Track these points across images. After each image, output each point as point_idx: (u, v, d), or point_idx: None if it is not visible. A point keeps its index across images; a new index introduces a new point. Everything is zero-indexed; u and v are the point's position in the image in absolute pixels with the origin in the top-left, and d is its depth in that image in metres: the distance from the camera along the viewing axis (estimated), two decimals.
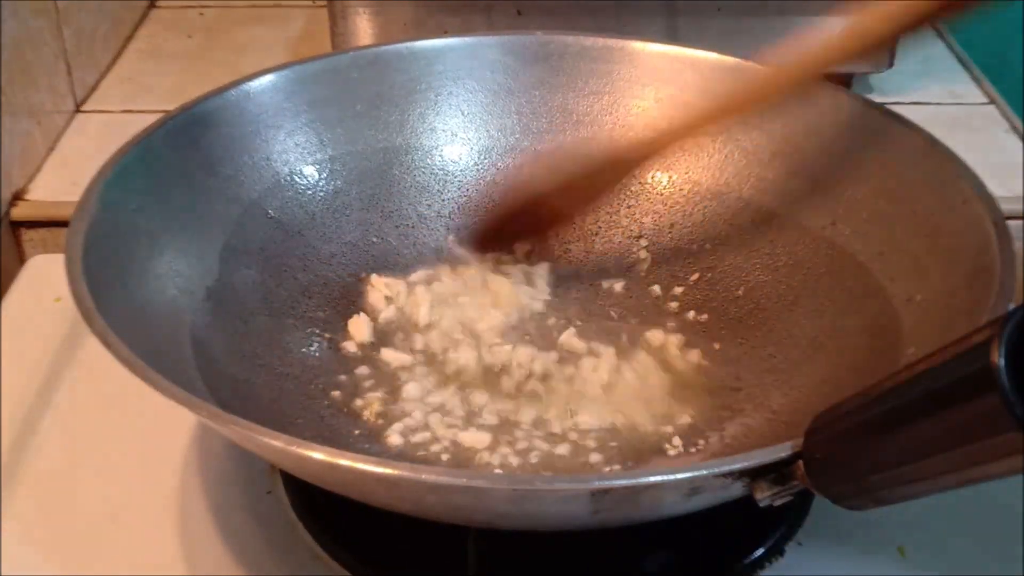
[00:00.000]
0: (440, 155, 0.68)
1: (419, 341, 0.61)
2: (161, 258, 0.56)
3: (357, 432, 0.56)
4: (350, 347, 0.60)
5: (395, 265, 0.65)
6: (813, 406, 0.42)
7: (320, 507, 0.55)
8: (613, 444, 0.55)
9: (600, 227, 0.67)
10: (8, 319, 0.68)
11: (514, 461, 0.54)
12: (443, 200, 0.68)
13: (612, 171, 0.64)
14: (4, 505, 0.56)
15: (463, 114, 0.68)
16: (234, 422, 0.43)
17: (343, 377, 0.59)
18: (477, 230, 0.66)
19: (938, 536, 0.54)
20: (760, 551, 0.54)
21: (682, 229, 0.66)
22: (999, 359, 0.32)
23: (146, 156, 0.57)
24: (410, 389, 0.58)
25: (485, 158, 0.68)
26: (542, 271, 0.65)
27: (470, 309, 0.62)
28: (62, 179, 0.81)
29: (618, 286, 0.65)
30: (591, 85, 0.69)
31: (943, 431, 0.35)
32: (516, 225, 0.65)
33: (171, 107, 0.60)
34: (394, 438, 0.55)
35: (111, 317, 0.46)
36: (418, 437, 0.55)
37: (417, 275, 0.64)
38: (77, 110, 0.90)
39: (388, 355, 0.60)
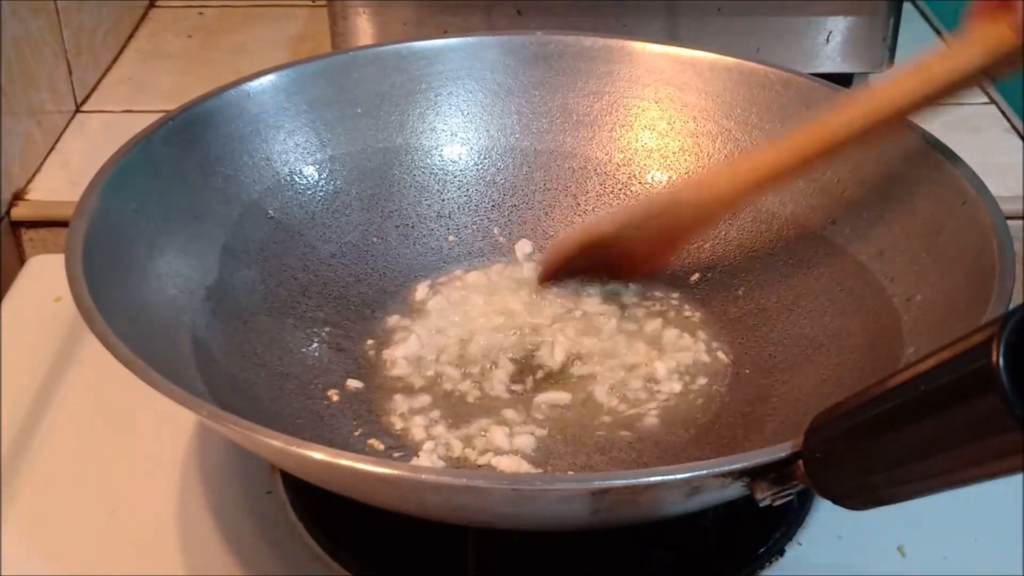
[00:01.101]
0: (440, 155, 0.68)
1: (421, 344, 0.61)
2: (161, 258, 0.56)
3: (357, 432, 0.56)
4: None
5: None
6: (813, 406, 0.42)
7: (320, 507, 0.55)
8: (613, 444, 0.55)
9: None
10: (8, 319, 0.68)
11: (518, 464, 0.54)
12: (443, 200, 0.68)
13: (696, 224, 0.62)
14: (4, 505, 0.56)
15: (463, 114, 0.68)
16: (234, 422, 0.43)
17: (343, 377, 0.59)
18: (552, 262, 0.64)
19: (938, 536, 0.54)
20: (760, 551, 0.54)
21: None
22: (999, 359, 0.32)
23: (146, 156, 0.57)
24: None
25: (485, 158, 0.68)
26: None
27: (473, 312, 0.62)
28: (62, 179, 0.81)
29: (618, 286, 0.65)
30: (591, 85, 0.69)
31: (943, 431, 0.35)
32: (588, 262, 0.63)
33: (171, 107, 0.60)
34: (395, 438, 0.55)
35: (111, 317, 0.46)
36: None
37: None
38: (77, 110, 0.90)
39: (388, 354, 0.60)
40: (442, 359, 0.60)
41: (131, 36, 1.03)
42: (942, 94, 0.53)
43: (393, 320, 0.62)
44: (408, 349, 0.60)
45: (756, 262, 0.63)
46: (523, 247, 0.67)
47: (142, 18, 1.06)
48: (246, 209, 0.62)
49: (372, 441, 0.55)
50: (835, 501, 0.41)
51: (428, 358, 0.60)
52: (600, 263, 0.63)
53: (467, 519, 0.48)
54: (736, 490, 0.42)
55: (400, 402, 0.57)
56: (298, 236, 0.63)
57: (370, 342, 0.61)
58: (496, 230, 0.67)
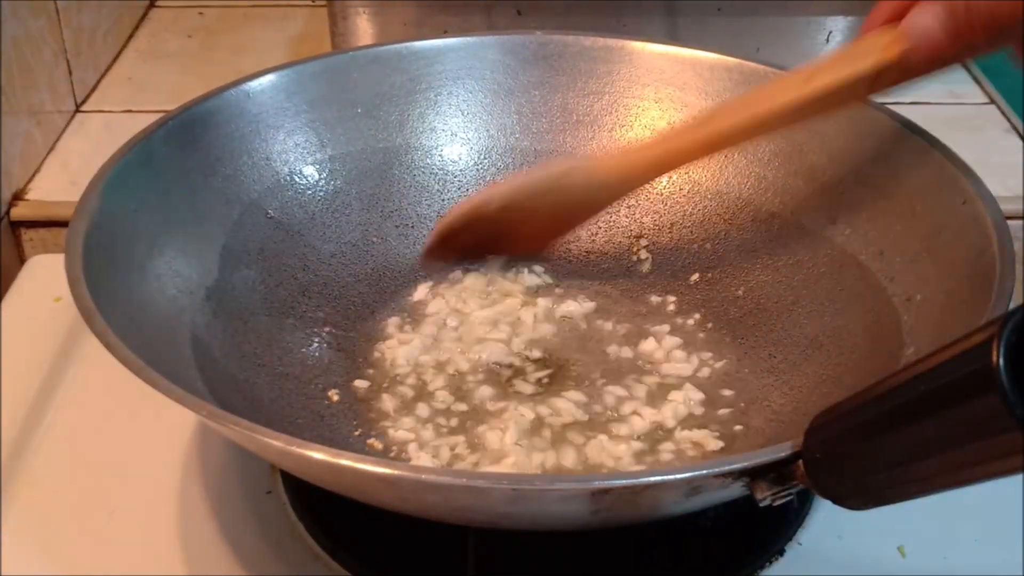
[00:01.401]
0: (440, 155, 0.68)
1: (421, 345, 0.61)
2: (161, 258, 0.56)
3: (357, 432, 0.56)
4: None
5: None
6: (813, 406, 0.42)
7: (320, 507, 0.55)
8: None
9: (600, 227, 0.67)
10: (8, 319, 0.68)
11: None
12: (443, 200, 0.67)
13: (584, 208, 0.63)
14: (4, 505, 0.56)
15: (463, 114, 0.68)
16: (234, 422, 0.43)
17: (343, 377, 0.59)
18: (433, 244, 0.64)
19: (938, 536, 0.54)
20: (760, 551, 0.53)
21: (682, 229, 0.66)
22: (999, 359, 0.32)
23: (146, 156, 0.57)
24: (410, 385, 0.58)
25: (485, 158, 0.68)
26: (539, 271, 0.65)
27: (473, 314, 0.63)
28: (62, 179, 0.81)
29: (618, 286, 0.65)
30: (591, 85, 0.69)
31: (943, 431, 0.35)
32: (475, 242, 0.63)
33: (171, 107, 0.60)
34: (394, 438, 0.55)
35: (111, 317, 0.46)
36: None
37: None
38: (77, 110, 0.90)
39: (389, 354, 0.60)
40: (442, 359, 0.60)
41: (131, 36, 1.03)
42: (824, 103, 0.54)
43: (393, 320, 0.62)
44: (408, 349, 0.60)
45: (756, 262, 0.63)
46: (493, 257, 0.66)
47: (142, 18, 1.06)
48: (246, 209, 0.62)
49: (372, 441, 0.55)
50: (835, 501, 0.41)
51: (428, 358, 0.60)
52: (485, 240, 0.63)
53: (467, 519, 0.48)
54: (736, 490, 0.42)
55: (401, 402, 0.57)
56: (298, 236, 0.63)
57: (370, 342, 0.61)
58: None
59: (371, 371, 0.59)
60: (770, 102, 0.55)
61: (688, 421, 0.56)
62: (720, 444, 0.55)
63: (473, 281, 0.64)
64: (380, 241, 0.66)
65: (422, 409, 0.57)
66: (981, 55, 0.50)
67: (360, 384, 0.58)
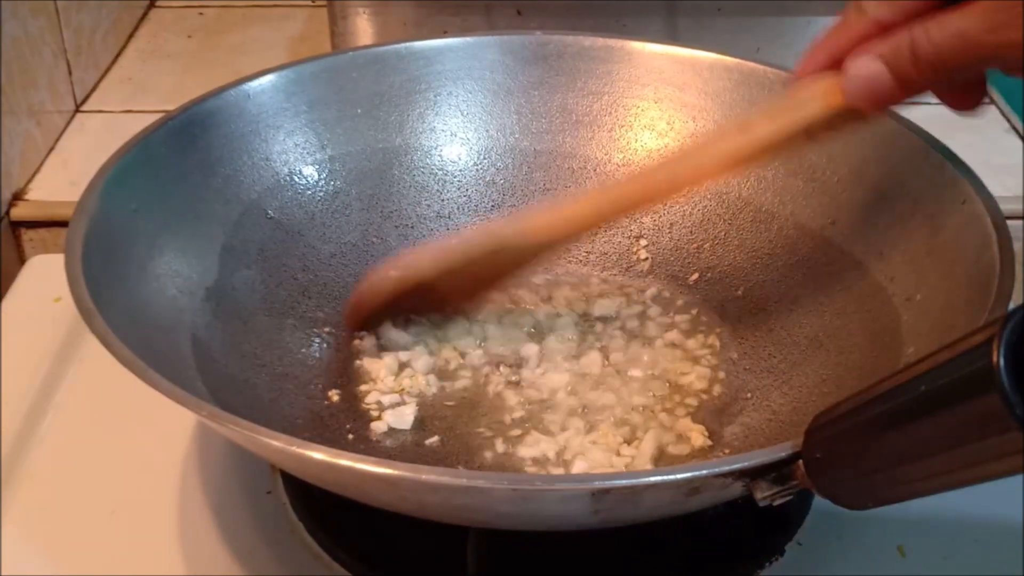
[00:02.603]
0: (440, 155, 0.68)
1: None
2: (161, 258, 0.56)
3: (357, 432, 0.56)
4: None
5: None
6: (813, 406, 0.42)
7: (320, 507, 0.55)
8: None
9: (600, 227, 0.67)
10: (8, 319, 0.68)
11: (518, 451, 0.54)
12: (443, 200, 0.68)
13: (516, 267, 0.61)
14: (4, 505, 0.56)
15: (462, 114, 0.68)
16: (234, 422, 0.43)
17: (343, 377, 0.59)
18: (362, 307, 0.61)
19: (938, 536, 0.54)
20: (760, 551, 0.54)
21: (682, 229, 0.66)
22: (999, 359, 0.32)
23: (146, 156, 0.57)
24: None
25: (484, 158, 0.68)
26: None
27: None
28: (62, 179, 0.81)
29: (618, 286, 0.65)
30: (591, 85, 0.69)
31: (943, 431, 0.35)
32: (401, 305, 0.61)
33: (171, 107, 0.60)
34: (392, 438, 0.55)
35: (111, 317, 0.46)
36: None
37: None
38: (77, 110, 0.90)
39: (389, 354, 0.60)
40: (442, 360, 0.60)
41: (131, 36, 1.03)
42: (764, 153, 0.52)
43: (392, 321, 0.62)
44: (408, 349, 0.60)
45: (756, 262, 0.63)
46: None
47: (142, 18, 1.06)
48: (246, 209, 0.62)
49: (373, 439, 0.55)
50: (835, 501, 0.41)
51: (429, 358, 0.60)
52: (412, 304, 0.61)
53: (467, 519, 0.48)
54: (736, 490, 0.42)
55: (400, 402, 0.57)
56: (298, 236, 0.63)
57: (370, 342, 0.61)
58: None
59: (371, 371, 0.59)
60: (709, 157, 0.54)
61: (688, 421, 0.56)
62: (719, 444, 0.55)
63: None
64: (380, 241, 0.66)
65: (421, 409, 0.57)
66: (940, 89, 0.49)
67: (360, 384, 0.58)
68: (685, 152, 0.57)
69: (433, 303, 0.61)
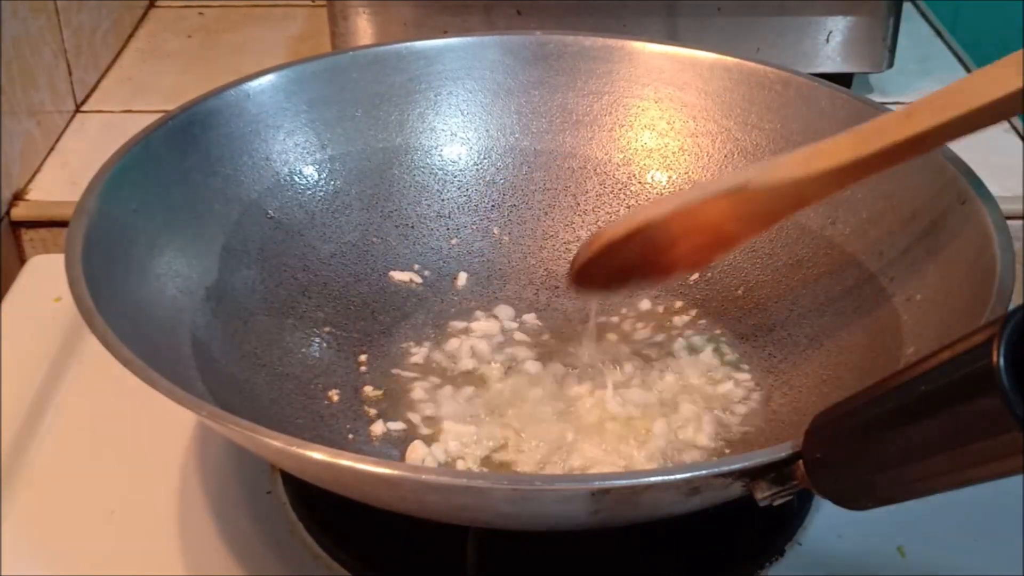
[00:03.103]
0: (440, 155, 0.68)
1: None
2: (161, 258, 0.56)
3: (357, 432, 0.56)
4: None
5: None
6: (813, 406, 0.42)
7: (320, 507, 0.55)
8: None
9: (601, 227, 0.67)
10: (8, 319, 0.68)
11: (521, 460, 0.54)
12: (443, 200, 0.68)
13: (759, 218, 0.53)
14: (4, 505, 0.56)
15: (463, 114, 0.68)
16: (234, 422, 0.43)
17: (343, 377, 0.59)
18: (589, 252, 0.56)
19: (938, 536, 0.54)
20: (760, 551, 0.53)
21: None
22: (999, 359, 0.32)
23: (146, 156, 0.57)
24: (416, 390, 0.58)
25: (485, 158, 0.68)
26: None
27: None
28: (62, 179, 0.81)
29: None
30: (591, 85, 0.69)
31: (943, 431, 0.35)
32: (627, 258, 0.55)
33: (171, 107, 0.60)
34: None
35: (111, 317, 0.46)
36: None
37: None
38: (77, 110, 0.90)
39: (389, 354, 0.60)
40: (442, 359, 0.60)
41: (131, 36, 1.03)
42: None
43: (392, 321, 0.62)
44: (408, 350, 0.60)
45: (756, 262, 0.63)
46: (505, 312, 0.64)
47: (142, 18, 1.06)
48: (246, 209, 0.62)
49: (372, 440, 0.55)
50: (835, 501, 0.41)
51: (429, 358, 0.60)
52: (638, 259, 0.55)
53: (467, 519, 0.48)
54: (736, 490, 0.42)
55: (401, 402, 0.57)
56: (298, 236, 0.63)
57: (370, 342, 0.61)
58: (496, 230, 0.67)
59: (371, 371, 0.59)
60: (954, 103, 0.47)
61: (687, 421, 0.56)
62: (719, 444, 0.55)
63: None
64: (380, 241, 0.66)
65: (422, 409, 0.57)
66: None
67: (361, 384, 0.58)
68: (937, 99, 0.48)
69: (660, 264, 0.55)
